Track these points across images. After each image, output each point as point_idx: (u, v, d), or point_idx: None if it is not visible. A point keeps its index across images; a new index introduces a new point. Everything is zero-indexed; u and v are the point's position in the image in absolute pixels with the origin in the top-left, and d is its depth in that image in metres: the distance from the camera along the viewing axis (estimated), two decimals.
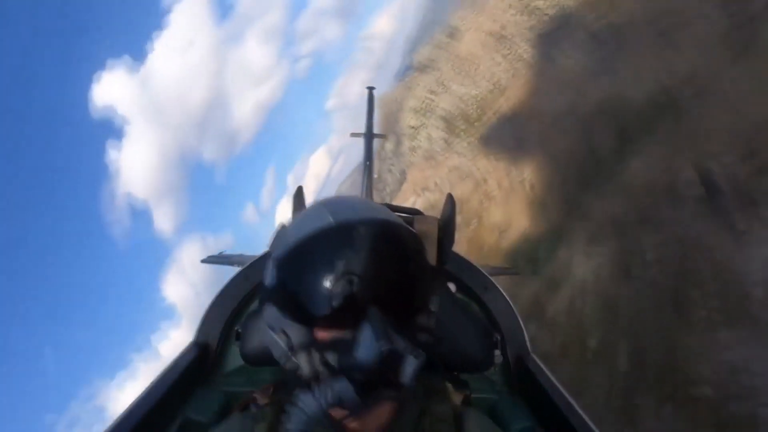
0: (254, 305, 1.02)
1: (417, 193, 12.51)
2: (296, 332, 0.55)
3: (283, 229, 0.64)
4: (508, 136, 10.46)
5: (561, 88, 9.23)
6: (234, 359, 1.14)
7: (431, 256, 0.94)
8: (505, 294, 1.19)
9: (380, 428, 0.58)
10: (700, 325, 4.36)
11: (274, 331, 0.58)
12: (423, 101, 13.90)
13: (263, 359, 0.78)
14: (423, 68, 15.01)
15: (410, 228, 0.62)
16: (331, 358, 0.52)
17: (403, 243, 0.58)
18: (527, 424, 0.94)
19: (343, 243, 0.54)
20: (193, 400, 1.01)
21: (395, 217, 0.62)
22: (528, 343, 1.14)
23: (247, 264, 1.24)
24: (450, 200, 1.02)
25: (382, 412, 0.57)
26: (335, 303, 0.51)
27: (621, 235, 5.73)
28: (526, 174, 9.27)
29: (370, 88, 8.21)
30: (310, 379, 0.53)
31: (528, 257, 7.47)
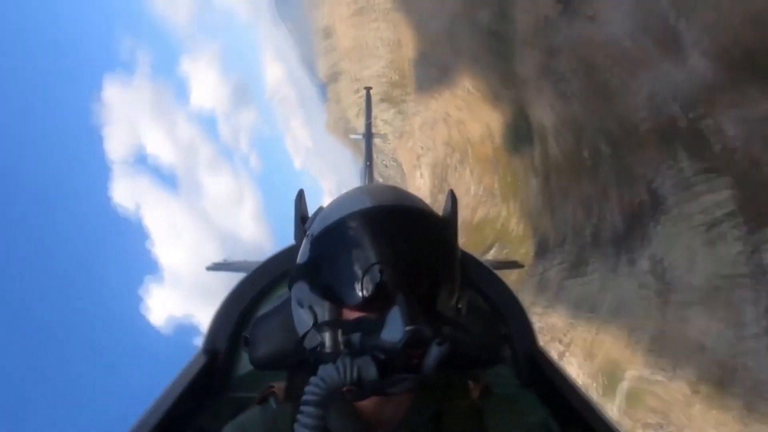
0: (262, 310, 0.95)
1: (420, 163, 13.96)
2: (324, 310, 0.57)
3: (321, 210, 0.66)
4: (433, 71, 12.20)
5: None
6: (244, 365, 1.13)
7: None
8: (510, 287, 1.19)
9: (395, 417, 0.59)
10: None
11: (301, 307, 0.60)
12: (355, 98, 15.52)
13: (273, 364, 0.78)
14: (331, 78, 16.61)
15: (445, 219, 0.64)
16: (355, 337, 0.54)
17: (435, 231, 0.59)
18: (540, 416, 0.92)
19: (378, 226, 0.55)
20: (205, 409, 1.01)
21: (430, 208, 0.63)
22: (536, 336, 1.14)
23: (252, 269, 1.23)
24: (451, 196, 0.97)
25: (399, 402, 0.58)
26: (366, 290, 0.53)
27: None
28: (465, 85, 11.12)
29: (368, 89, 8.26)
30: (332, 355, 0.53)
31: None
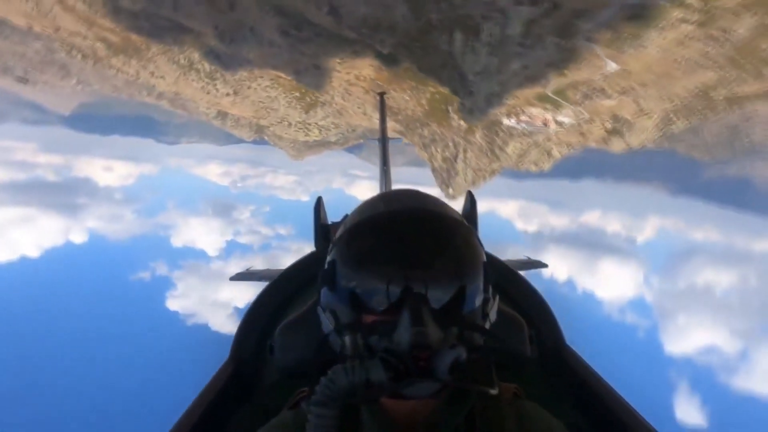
0: (287, 318, 0.96)
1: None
2: (344, 314, 0.58)
3: (346, 217, 0.67)
4: None
5: None
6: (270, 373, 1.10)
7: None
8: (534, 287, 1.15)
9: (427, 419, 0.59)
10: None
11: (324, 311, 0.61)
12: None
13: (299, 371, 0.78)
14: None
15: (465, 224, 0.63)
16: (372, 340, 0.54)
17: (450, 234, 0.58)
18: (570, 416, 0.90)
19: (389, 231, 0.56)
20: (234, 417, 0.99)
21: (450, 210, 0.63)
22: (563, 336, 1.11)
23: (276, 278, 1.22)
24: (470, 197, 1.05)
25: (429, 404, 0.59)
26: (379, 295, 0.54)
27: None
28: None
29: (381, 94, 8.68)
30: (349, 357, 0.55)
31: None
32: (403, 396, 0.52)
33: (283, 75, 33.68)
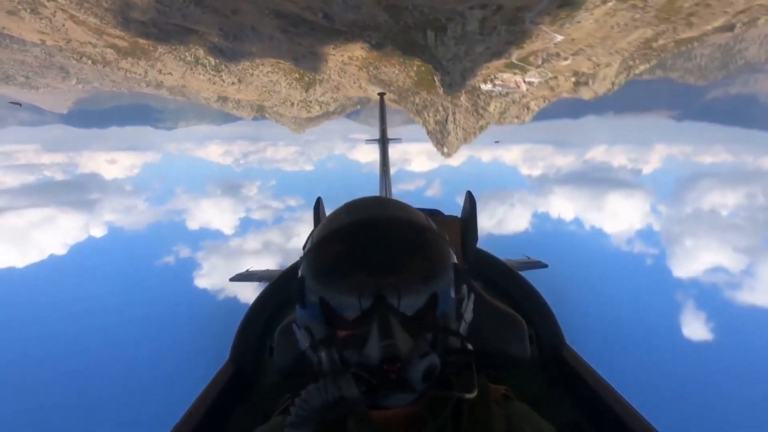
0: (286, 320, 0.94)
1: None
2: (317, 329, 0.56)
3: (314, 230, 0.65)
4: None
5: None
6: (271, 374, 1.10)
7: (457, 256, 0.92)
8: (534, 287, 1.16)
9: (402, 425, 0.57)
10: None
11: (299, 327, 0.59)
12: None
13: (298, 372, 0.77)
14: None
15: (431, 227, 0.61)
16: (347, 354, 0.52)
17: (415, 240, 0.56)
18: (569, 416, 0.91)
19: (351, 243, 0.55)
20: (233, 419, 1.00)
21: (415, 214, 0.61)
22: (563, 335, 1.10)
23: (276, 278, 1.22)
24: (470, 198, 1.00)
25: (403, 412, 0.57)
26: (345, 309, 0.52)
27: None
28: None
29: (381, 94, 8.44)
30: (322, 373, 0.52)
31: None
32: (381, 406, 0.52)
33: (282, 62, 37.07)
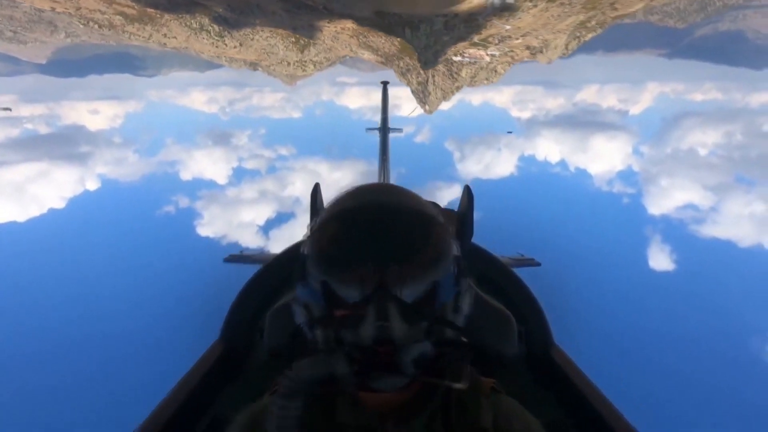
0: (279, 302, 0.97)
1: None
2: (316, 307, 0.57)
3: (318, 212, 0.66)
4: None
5: None
6: (260, 355, 1.09)
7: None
8: (526, 285, 1.16)
9: (401, 410, 0.59)
10: None
11: (298, 304, 0.61)
12: None
13: (288, 353, 0.70)
14: None
15: (438, 218, 0.61)
16: (343, 334, 0.53)
17: (418, 229, 0.57)
18: (555, 416, 0.91)
19: (355, 226, 0.56)
20: (222, 397, 1.00)
21: (423, 204, 0.61)
22: (552, 335, 1.11)
23: (269, 261, 1.23)
24: (468, 192, 1.03)
25: (394, 398, 0.58)
26: (345, 290, 0.53)
27: None
28: None
29: (384, 83, 8.20)
30: (316, 350, 0.54)
31: None
32: (371, 389, 0.53)
33: (282, 30, 41.77)
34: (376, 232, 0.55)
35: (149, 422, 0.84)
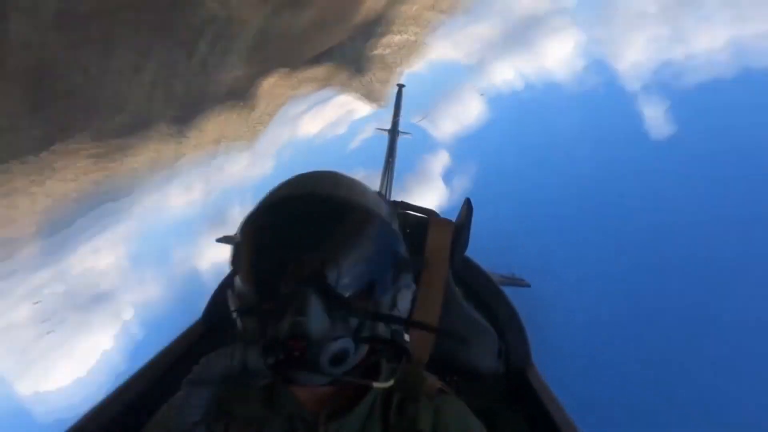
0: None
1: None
2: (246, 297, 0.56)
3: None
4: None
5: None
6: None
7: (444, 259, 0.95)
8: (512, 303, 1.17)
9: (325, 406, 0.57)
10: None
11: (232, 293, 0.59)
12: None
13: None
14: None
15: (377, 211, 0.59)
16: (265, 326, 0.52)
17: (349, 222, 0.55)
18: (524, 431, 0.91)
19: (281, 217, 0.55)
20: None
21: (362, 196, 0.59)
22: (531, 355, 1.11)
23: None
24: (467, 205, 1.00)
25: (325, 393, 0.58)
26: (273, 284, 0.52)
27: None
28: None
29: (400, 86, 9.27)
30: (239, 341, 0.52)
31: None
32: (292, 382, 0.53)
33: None
34: (303, 223, 0.54)
35: (121, 389, 0.85)
